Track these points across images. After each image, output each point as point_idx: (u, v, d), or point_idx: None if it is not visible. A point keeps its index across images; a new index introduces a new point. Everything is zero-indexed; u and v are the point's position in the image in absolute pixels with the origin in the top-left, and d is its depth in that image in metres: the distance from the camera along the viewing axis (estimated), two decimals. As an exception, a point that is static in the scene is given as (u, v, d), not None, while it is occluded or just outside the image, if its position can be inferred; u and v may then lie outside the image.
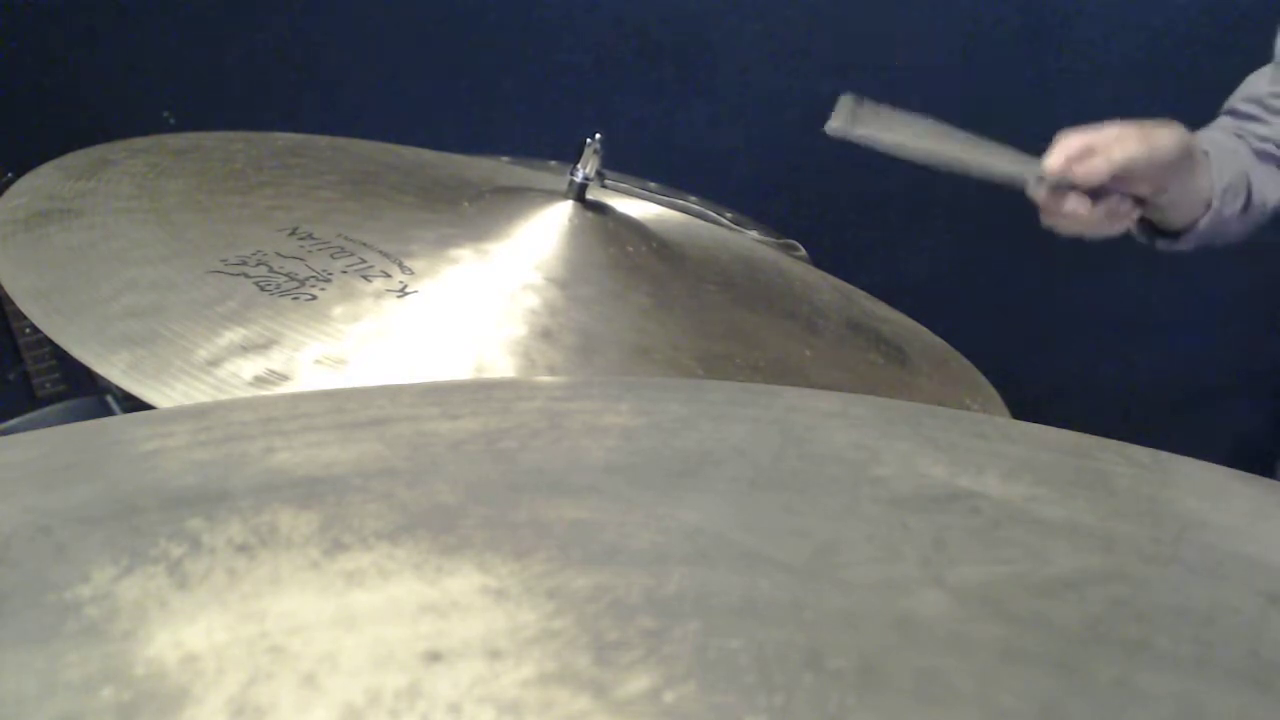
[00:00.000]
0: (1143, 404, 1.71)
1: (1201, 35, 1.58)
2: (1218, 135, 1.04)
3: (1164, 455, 0.36)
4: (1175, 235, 1.01)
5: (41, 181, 0.73)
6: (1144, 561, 0.29)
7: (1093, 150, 0.90)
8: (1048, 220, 0.95)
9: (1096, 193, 0.92)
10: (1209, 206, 0.98)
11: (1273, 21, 1.23)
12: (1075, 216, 0.92)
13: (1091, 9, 1.60)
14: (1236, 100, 1.08)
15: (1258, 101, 1.05)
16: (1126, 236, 1.00)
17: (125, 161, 0.77)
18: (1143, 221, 1.00)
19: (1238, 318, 1.73)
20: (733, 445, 0.32)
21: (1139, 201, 0.96)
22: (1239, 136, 1.04)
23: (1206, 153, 0.97)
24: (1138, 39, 1.60)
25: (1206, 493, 0.35)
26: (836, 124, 0.89)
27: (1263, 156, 1.03)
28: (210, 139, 0.85)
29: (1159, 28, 1.59)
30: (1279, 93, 1.05)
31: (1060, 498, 0.32)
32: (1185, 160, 0.94)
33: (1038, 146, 1.43)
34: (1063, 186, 0.91)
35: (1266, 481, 0.35)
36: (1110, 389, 1.77)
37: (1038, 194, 0.93)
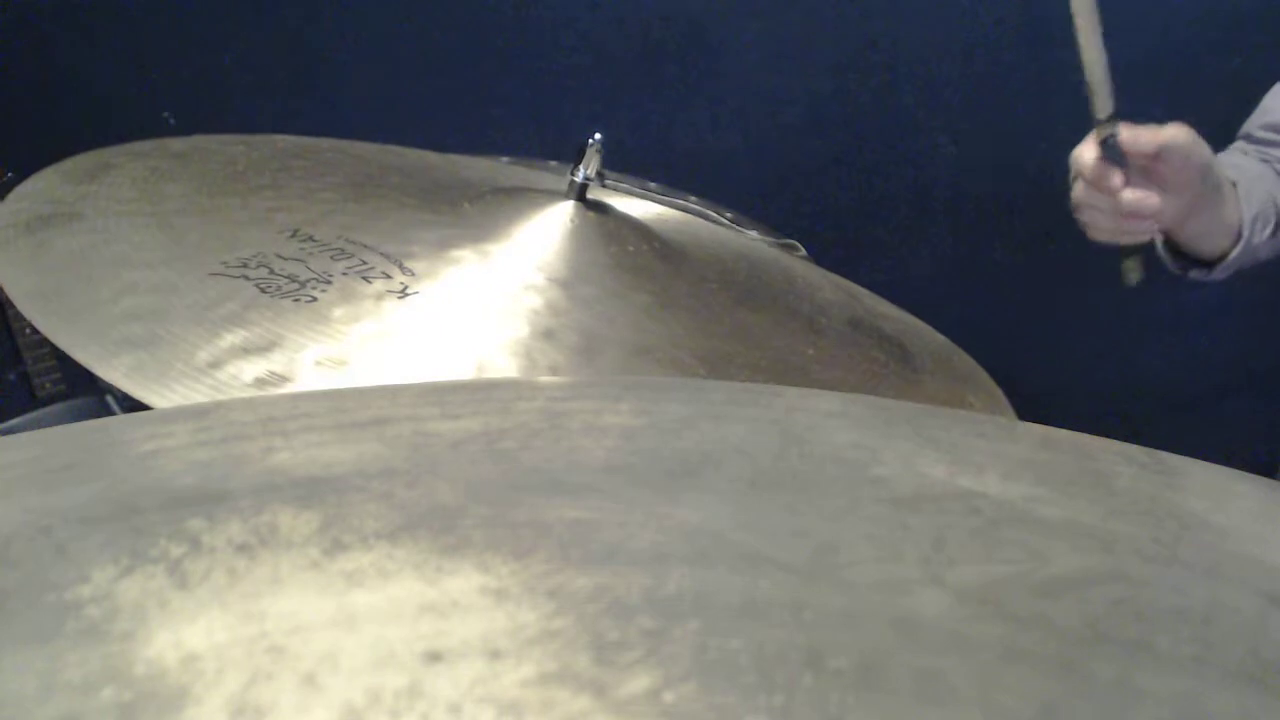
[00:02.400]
0: (1143, 404, 1.71)
1: (1201, 35, 1.58)
2: (1242, 160, 1.04)
3: (1164, 455, 0.36)
4: (1207, 265, 1.02)
5: (42, 185, 0.73)
6: (1144, 561, 0.29)
7: (1140, 131, 0.93)
8: (1078, 214, 0.97)
9: (1137, 182, 0.93)
10: (1239, 236, 0.98)
11: (1274, 22, 1.23)
12: (1110, 183, 0.93)
13: (1091, 9, 1.59)
14: (1253, 126, 1.08)
15: (1276, 129, 1.06)
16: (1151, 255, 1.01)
17: (126, 165, 0.77)
18: (1177, 253, 1.01)
19: (1238, 318, 1.73)
20: (733, 445, 0.32)
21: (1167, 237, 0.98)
22: (1264, 161, 1.04)
23: (1234, 183, 0.98)
24: (1138, 39, 1.60)
25: (1206, 493, 0.35)
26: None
27: None
28: (211, 142, 0.85)
29: (1159, 28, 1.59)
30: None
31: (1060, 498, 0.32)
32: (1213, 179, 0.95)
33: (1037, 146, 1.43)
34: (1112, 155, 0.93)
35: (1267, 481, 0.35)
36: (1110, 389, 1.77)
37: (1086, 153, 0.95)
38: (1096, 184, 0.94)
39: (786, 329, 0.75)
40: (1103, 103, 0.95)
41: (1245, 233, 0.98)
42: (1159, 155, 0.92)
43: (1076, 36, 0.95)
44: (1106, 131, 0.93)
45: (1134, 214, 0.94)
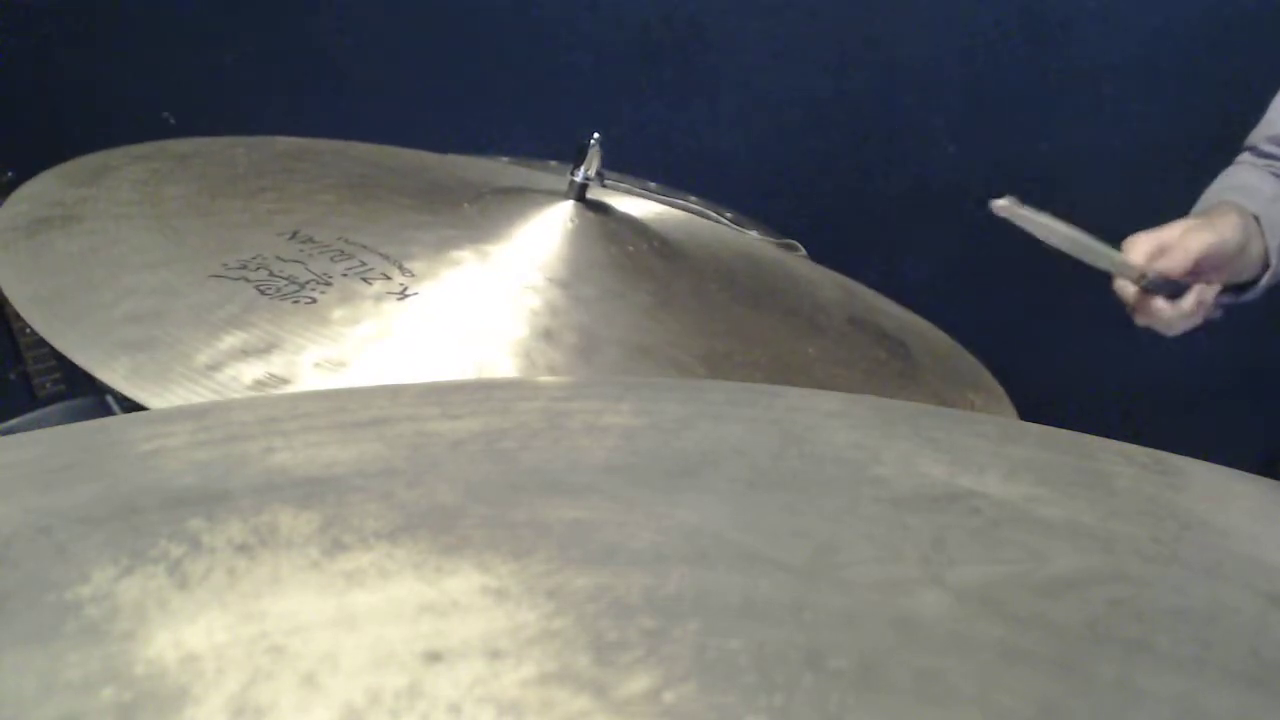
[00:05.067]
0: (1143, 404, 1.71)
1: (1201, 35, 1.58)
2: (1254, 181, 1.05)
3: (1164, 455, 0.36)
4: (1235, 290, 1.03)
5: (42, 188, 0.73)
6: (1144, 561, 0.29)
7: (1167, 246, 0.95)
8: (1140, 320, 1.00)
9: (1177, 291, 0.97)
10: (1267, 265, 1.00)
11: (1273, 22, 1.23)
12: (1161, 314, 0.97)
13: (1091, 9, 1.60)
14: (1259, 139, 1.09)
15: None
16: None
17: (126, 167, 0.77)
18: None
19: (1238, 318, 1.73)
20: (732, 445, 0.32)
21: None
22: (1277, 176, 1.05)
23: (1256, 216, 0.99)
24: (1138, 39, 1.60)
25: (1206, 493, 0.35)
26: (1003, 204, 0.94)
27: None
28: (211, 144, 0.85)
29: (1159, 28, 1.59)
30: None
31: (1060, 498, 0.32)
32: (1247, 241, 0.98)
33: (1038, 146, 1.43)
34: (1153, 284, 0.96)
35: (1267, 481, 0.35)
36: (1110, 389, 1.77)
37: (1126, 291, 0.98)
38: (1149, 318, 0.99)
39: (786, 328, 0.75)
40: (1126, 268, 0.97)
41: (1273, 261, 1.00)
42: (1196, 265, 0.95)
43: (1070, 252, 0.96)
44: (1144, 281, 0.97)
45: (1196, 315, 0.98)
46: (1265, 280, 1.01)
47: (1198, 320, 0.99)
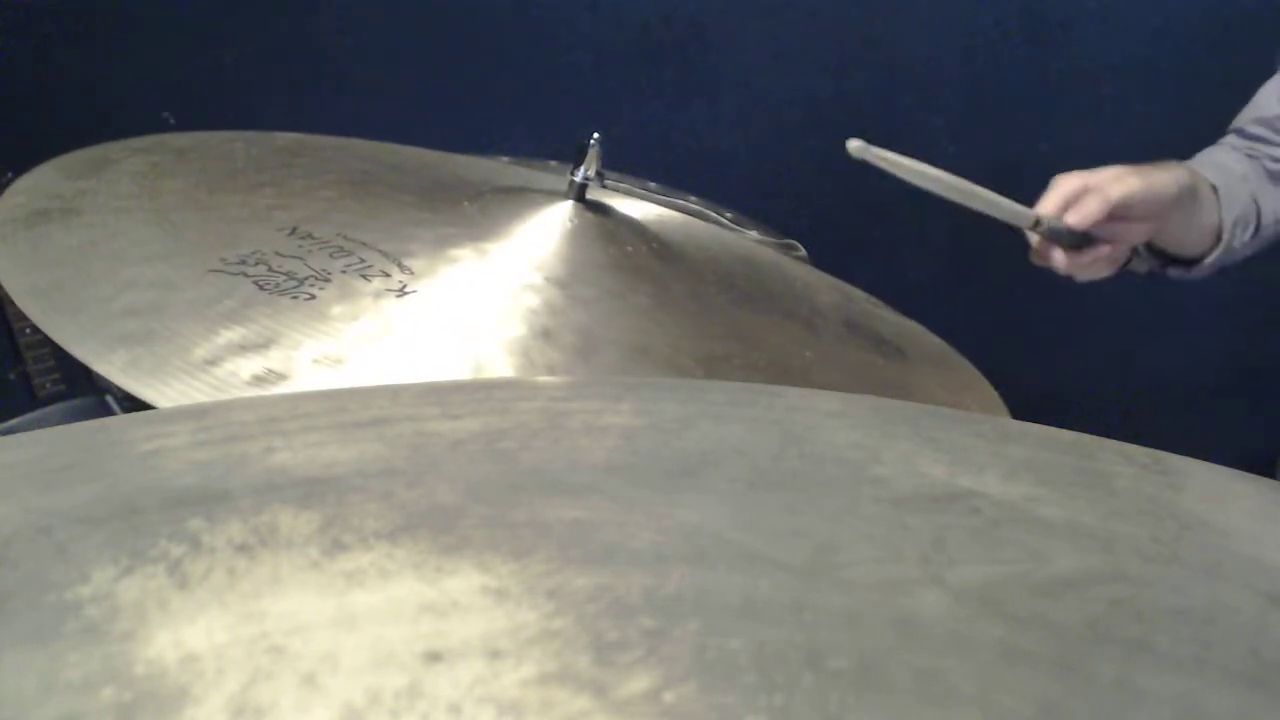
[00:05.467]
0: (1143, 404, 1.71)
1: (1201, 35, 1.59)
2: (1226, 160, 1.04)
3: (1164, 455, 0.36)
4: (1186, 263, 1.02)
5: (41, 180, 0.73)
6: (1144, 561, 0.29)
7: (1088, 190, 0.92)
8: (1037, 261, 0.98)
9: (1089, 240, 0.94)
10: (1219, 239, 0.99)
11: (1273, 22, 1.23)
12: (1058, 264, 0.95)
13: (1091, 9, 1.60)
14: (1245, 121, 1.08)
15: (1268, 124, 1.06)
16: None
17: (125, 160, 0.76)
18: (1154, 250, 1.02)
19: (1238, 318, 1.73)
20: (732, 445, 0.32)
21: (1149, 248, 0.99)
22: (1251, 157, 1.04)
23: (1215, 188, 0.98)
24: (1138, 39, 1.60)
25: (1206, 493, 0.35)
26: (857, 145, 0.90)
27: (1275, 177, 1.03)
28: (210, 138, 0.85)
29: (1159, 28, 1.59)
30: None
31: (1060, 498, 0.32)
32: (1188, 200, 0.95)
33: (1038, 146, 1.43)
34: (1057, 232, 0.93)
35: (1267, 481, 0.35)
36: (1110, 389, 1.77)
37: (1032, 238, 0.96)
38: (1047, 263, 0.97)
39: (784, 331, 0.75)
40: (1020, 219, 0.94)
41: (1225, 236, 0.99)
42: (1115, 213, 0.92)
43: (952, 199, 0.92)
44: (1041, 229, 0.94)
45: (1099, 266, 0.96)
46: (1214, 255, 0.99)
47: (1105, 272, 0.97)
